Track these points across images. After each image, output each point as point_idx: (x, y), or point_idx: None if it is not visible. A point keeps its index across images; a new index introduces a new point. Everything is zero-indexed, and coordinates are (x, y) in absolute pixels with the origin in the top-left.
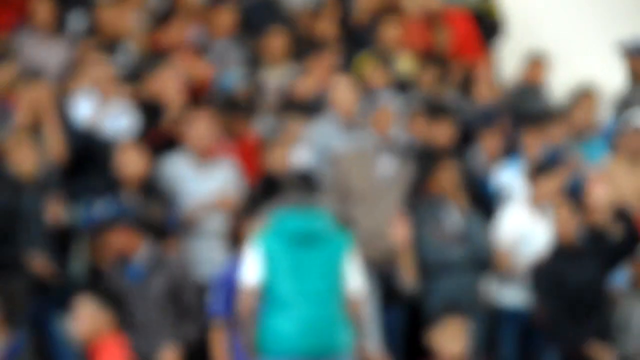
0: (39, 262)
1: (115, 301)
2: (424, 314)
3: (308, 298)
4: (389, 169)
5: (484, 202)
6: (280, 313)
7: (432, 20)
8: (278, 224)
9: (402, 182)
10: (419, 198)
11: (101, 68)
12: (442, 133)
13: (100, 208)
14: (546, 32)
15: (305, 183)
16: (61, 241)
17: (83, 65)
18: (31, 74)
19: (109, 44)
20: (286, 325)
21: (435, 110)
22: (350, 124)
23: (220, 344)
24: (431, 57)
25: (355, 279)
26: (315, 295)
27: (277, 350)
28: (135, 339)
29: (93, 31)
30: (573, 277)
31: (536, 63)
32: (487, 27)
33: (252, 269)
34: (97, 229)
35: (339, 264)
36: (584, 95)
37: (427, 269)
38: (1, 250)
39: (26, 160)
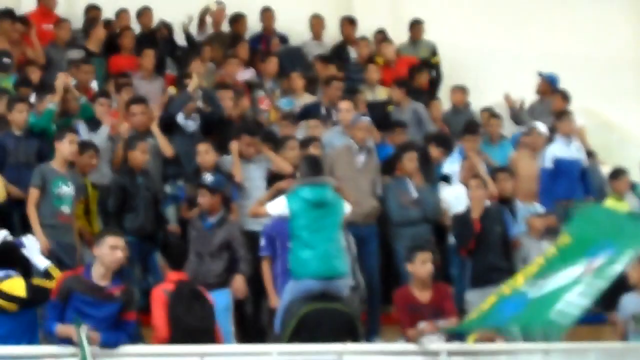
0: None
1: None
2: (394, 252)
3: (323, 239)
4: (362, 161)
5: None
6: (304, 250)
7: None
8: (299, 191)
9: (371, 169)
10: (391, 177)
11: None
12: (401, 138)
13: (209, 179)
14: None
15: (315, 166)
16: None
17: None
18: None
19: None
20: (310, 258)
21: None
22: (347, 132)
23: (268, 274)
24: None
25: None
26: (327, 237)
27: (305, 274)
28: (201, 269)
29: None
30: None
31: (460, 91)
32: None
33: (276, 208)
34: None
35: (340, 215)
36: (493, 115)
37: (396, 222)
38: (122, 215)
39: (140, 156)
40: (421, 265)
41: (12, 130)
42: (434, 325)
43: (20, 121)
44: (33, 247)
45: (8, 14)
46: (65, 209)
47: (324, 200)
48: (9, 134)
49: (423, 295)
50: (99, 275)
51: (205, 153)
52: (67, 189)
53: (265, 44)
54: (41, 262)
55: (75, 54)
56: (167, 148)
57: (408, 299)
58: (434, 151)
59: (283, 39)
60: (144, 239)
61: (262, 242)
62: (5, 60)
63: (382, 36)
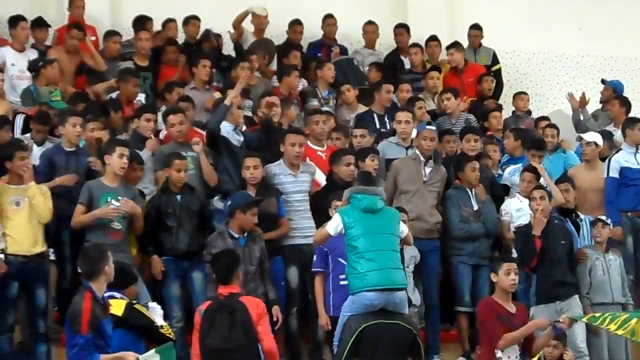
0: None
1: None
2: (452, 265)
3: (380, 248)
4: (429, 173)
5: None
6: (361, 262)
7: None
8: (354, 201)
9: (437, 182)
10: (453, 188)
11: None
12: (468, 147)
13: (240, 198)
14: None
15: (368, 179)
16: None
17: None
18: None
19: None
20: (367, 270)
21: (466, 131)
22: (407, 142)
23: (319, 290)
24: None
25: (404, 228)
26: (383, 247)
27: (362, 287)
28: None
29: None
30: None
31: (522, 97)
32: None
33: (333, 225)
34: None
35: (396, 224)
36: (549, 125)
37: (456, 236)
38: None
39: (175, 175)
40: (505, 276)
41: (63, 144)
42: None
43: (72, 135)
44: (156, 311)
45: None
46: (116, 225)
47: (375, 206)
48: (59, 149)
49: (509, 306)
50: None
51: (253, 168)
52: (117, 204)
53: (326, 53)
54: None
55: (127, 65)
56: (211, 177)
57: (497, 309)
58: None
59: (343, 51)
60: (181, 257)
61: (315, 257)
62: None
63: (437, 42)
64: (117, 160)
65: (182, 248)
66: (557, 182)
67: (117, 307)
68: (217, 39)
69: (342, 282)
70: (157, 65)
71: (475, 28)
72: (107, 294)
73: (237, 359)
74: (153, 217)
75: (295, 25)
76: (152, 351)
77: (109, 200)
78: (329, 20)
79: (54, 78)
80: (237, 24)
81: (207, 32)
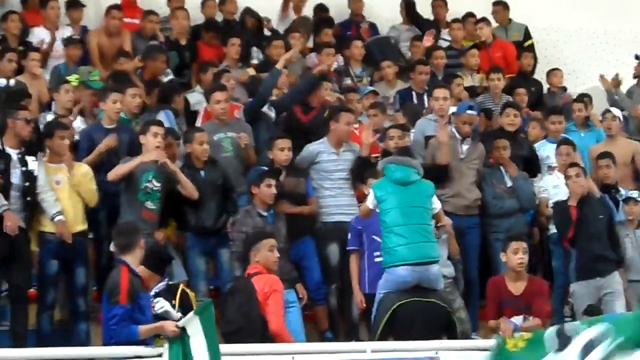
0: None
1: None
2: (489, 242)
3: (408, 222)
4: (466, 150)
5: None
6: (392, 237)
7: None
8: (387, 172)
9: (475, 159)
10: (486, 166)
11: None
12: (507, 121)
13: (252, 173)
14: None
15: (405, 152)
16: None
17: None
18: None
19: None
20: (397, 244)
21: (506, 105)
22: (445, 119)
23: (354, 269)
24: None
25: (437, 203)
26: (415, 221)
27: (394, 262)
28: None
29: (268, 61)
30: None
31: (556, 74)
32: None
33: (370, 199)
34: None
35: (428, 198)
36: (576, 99)
37: (491, 213)
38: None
39: (197, 148)
40: (513, 255)
41: (103, 121)
42: (507, 324)
43: (112, 112)
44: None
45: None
46: (150, 204)
47: (409, 178)
48: (98, 126)
49: (516, 287)
50: None
51: (288, 150)
52: (155, 184)
53: (355, 30)
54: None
55: (153, 44)
56: (252, 158)
57: (499, 290)
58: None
59: (372, 26)
60: (206, 234)
61: (349, 235)
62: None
63: (475, 19)
64: (151, 139)
65: (207, 224)
66: (597, 158)
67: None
68: (258, 18)
69: (376, 259)
70: (195, 43)
71: (498, 4)
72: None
73: (237, 341)
74: (177, 192)
75: (321, 11)
76: (191, 314)
77: (149, 178)
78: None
79: (76, 58)
80: (284, 3)
81: (247, 11)
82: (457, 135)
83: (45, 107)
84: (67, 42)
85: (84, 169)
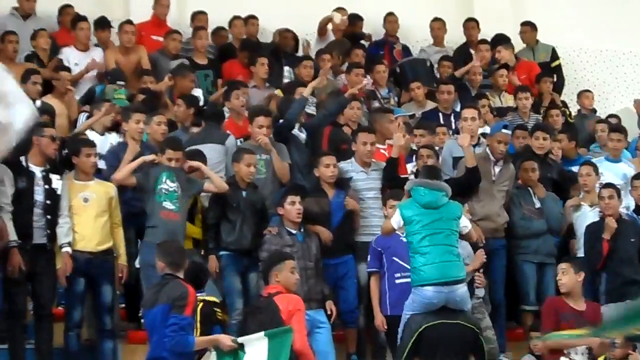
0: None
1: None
2: (516, 264)
3: (439, 243)
4: (498, 172)
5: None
6: (416, 256)
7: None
8: (416, 195)
9: (505, 181)
10: (514, 187)
11: None
12: (537, 144)
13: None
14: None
15: (433, 172)
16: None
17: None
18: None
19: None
20: (423, 264)
21: (536, 128)
22: (473, 139)
23: (374, 290)
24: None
25: (465, 223)
26: (441, 242)
27: (420, 281)
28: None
29: (299, 82)
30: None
31: (587, 95)
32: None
33: (396, 220)
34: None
35: (456, 220)
36: (613, 129)
37: (519, 235)
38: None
39: (244, 169)
40: (560, 275)
41: (127, 141)
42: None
43: (135, 132)
44: None
45: (128, 21)
46: (168, 204)
47: (437, 202)
48: (125, 145)
49: (577, 305)
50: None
51: (333, 167)
52: (172, 185)
53: (387, 50)
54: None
55: (178, 63)
56: (284, 172)
57: (557, 306)
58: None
59: (405, 48)
60: (241, 254)
61: (369, 257)
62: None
63: (499, 40)
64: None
65: (245, 244)
66: (633, 178)
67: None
68: (296, 39)
69: (397, 281)
70: (219, 63)
71: (526, 24)
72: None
73: None
74: (219, 208)
75: (356, 20)
76: (261, 333)
77: (164, 179)
78: (390, 18)
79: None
80: (323, 27)
81: (283, 31)
82: (491, 157)
83: (73, 125)
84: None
85: (108, 188)
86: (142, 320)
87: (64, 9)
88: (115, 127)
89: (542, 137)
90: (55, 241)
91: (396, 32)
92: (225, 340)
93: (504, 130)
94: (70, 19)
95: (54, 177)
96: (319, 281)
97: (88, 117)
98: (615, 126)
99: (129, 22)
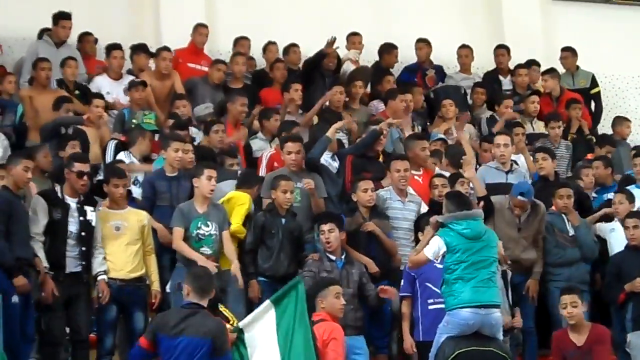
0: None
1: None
2: (549, 290)
3: (481, 272)
4: (523, 221)
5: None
6: (458, 283)
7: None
8: (457, 227)
9: (532, 225)
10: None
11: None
12: (539, 165)
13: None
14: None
15: (463, 201)
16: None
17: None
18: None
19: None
20: (462, 287)
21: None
22: (506, 166)
23: (406, 314)
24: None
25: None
26: (486, 270)
27: (457, 304)
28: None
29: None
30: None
31: (623, 122)
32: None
33: (432, 249)
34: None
35: (495, 248)
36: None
37: (552, 262)
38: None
39: (281, 196)
40: (562, 309)
41: (165, 169)
42: None
43: (174, 160)
44: None
45: (165, 47)
46: (206, 250)
47: (481, 233)
48: (161, 174)
49: (579, 339)
50: None
51: (371, 191)
52: (207, 229)
53: (420, 76)
54: None
55: (204, 110)
56: (320, 207)
57: (562, 343)
58: None
59: (438, 69)
60: (276, 280)
61: (402, 281)
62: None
63: (538, 67)
64: (205, 183)
65: (281, 271)
66: None
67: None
68: (339, 60)
69: (430, 307)
70: (256, 89)
71: (567, 50)
72: None
73: None
74: (257, 235)
75: (391, 49)
76: (267, 302)
77: (198, 225)
78: (420, 45)
79: (141, 101)
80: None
81: (327, 53)
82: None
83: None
84: (131, 85)
85: (141, 216)
86: None
87: (84, 37)
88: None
89: (541, 158)
90: (90, 272)
91: (426, 58)
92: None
93: (520, 197)
94: (89, 46)
95: (89, 209)
96: (358, 308)
97: (117, 145)
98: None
99: (167, 48)
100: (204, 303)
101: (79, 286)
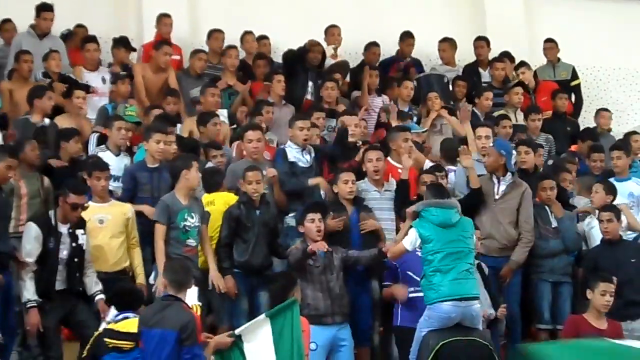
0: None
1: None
2: (531, 282)
3: (458, 262)
4: (502, 191)
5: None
6: (437, 274)
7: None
8: (426, 213)
9: (512, 200)
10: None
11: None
12: (521, 158)
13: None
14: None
15: (440, 191)
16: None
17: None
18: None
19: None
20: (440, 281)
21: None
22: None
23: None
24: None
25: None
26: (457, 259)
27: (436, 298)
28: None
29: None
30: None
31: (604, 114)
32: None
33: (410, 240)
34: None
35: (471, 237)
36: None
37: (535, 253)
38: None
39: (249, 188)
40: (600, 296)
41: (146, 160)
42: None
43: (155, 152)
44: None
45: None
46: (192, 241)
47: (451, 221)
48: (142, 166)
49: (599, 324)
50: None
51: (344, 183)
52: (192, 221)
53: (395, 70)
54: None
55: (196, 92)
56: (283, 202)
57: (580, 327)
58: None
59: (418, 65)
60: (251, 273)
61: (385, 272)
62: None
63: (519, 62)
64: (195, 175)
65: (257, 263)
66: None
67: (132, 325)
68: (323, 53)
69: (410, 295)
70: (244, 81)
71: (550, 41)
72: (120, 316)
73: None
74: (233, 228)
75: (373, 47)
76: (262, 316)
77: (185, 217)
78: (408, 40)
79: (126, 94)
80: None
81: (313, 43)
82: (493, 178)
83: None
84: (116, 77)
85: (124, 209)
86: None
87: (75, 29)
88: (129, 148)
89: (523, 151)
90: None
91: (410, 54)
92: (223, 338)
93: (501, 152)
94: (80, 38)
95: (79, 232)
96: (344, 294)
97: (99, 138)
98: (616, 144)
99: (168, 43)
100: (182, 296)
101: (71, 299)
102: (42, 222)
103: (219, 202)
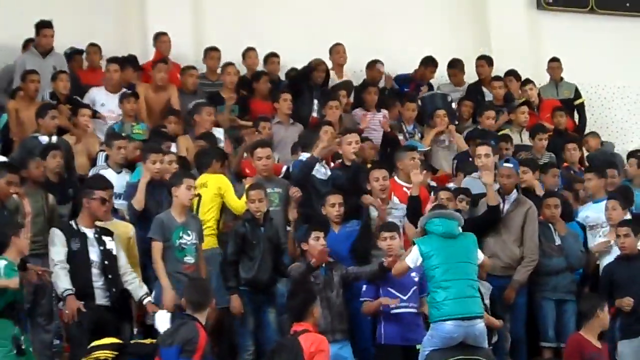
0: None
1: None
2: (535, 300)
3: (460, 277)
4: (506, 210)
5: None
6: (439, 291)
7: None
8: (431, 227)
9: (517, 218)
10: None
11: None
12: (549, 181)
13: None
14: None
15: (440, 208)
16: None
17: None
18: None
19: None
20: (444, 297)
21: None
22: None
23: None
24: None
25: (480, 254)
26: (465, 275)
27: (440, 316)
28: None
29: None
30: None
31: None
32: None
33: (412, 258)
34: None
35: (473, 251)
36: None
37: (538, 271)
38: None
39: (252, 206)
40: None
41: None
42: None
43: (152, 172)
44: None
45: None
46: (189, 259)
47: (454, 231)
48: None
49: (597, 343)
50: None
51: (339, 206)
52: (188, 239)
53: (413, 88)
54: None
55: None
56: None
57: (584, 347)
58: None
59: (431, 88)
60: (258, 291)
61: (364, 287)
62: None
63: (524, 79)
64: (184, 192)
65: (264, 279)
66: None
67: (111, 339)
68: (327, 72)
69: (393, 311)
70: (246, 98)
71: (555, 60)
72: None
73: None
74: (239, 245)
75: (373, 64)
76: None
77: (180, 235)
78: (431, 67)
79: (133, 112)
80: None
81: (318, 62)
82: (498, 194)
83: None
84: (122, 96)
85: (127, 228)
86: None
87: (90, 47)
88: (131, 165)
89: (522, 171)
90: (122, 300)
91: (429, 79)
92: None
93: (505, 165)
94: (97, 58)
95: (107, 239)
96: (343, 311)
97: (106, 157)
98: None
99: (163, 61)
100: (198, 316)
101: (110, 317)
102: (64, 225)
103: (212, 184)
